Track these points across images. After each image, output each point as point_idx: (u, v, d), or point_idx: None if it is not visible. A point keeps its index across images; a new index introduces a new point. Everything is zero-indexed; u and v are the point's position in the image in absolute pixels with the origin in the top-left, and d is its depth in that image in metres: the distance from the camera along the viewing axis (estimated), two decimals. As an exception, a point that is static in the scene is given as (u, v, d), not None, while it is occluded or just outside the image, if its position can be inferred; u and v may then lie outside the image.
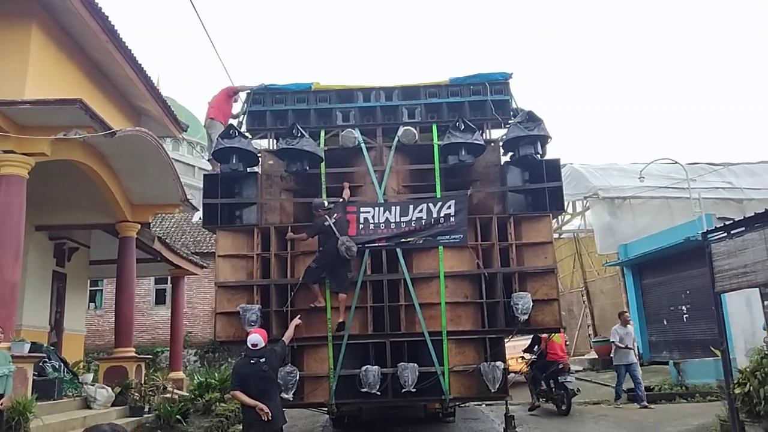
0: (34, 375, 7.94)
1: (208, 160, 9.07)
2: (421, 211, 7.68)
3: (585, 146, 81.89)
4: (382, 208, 7.72)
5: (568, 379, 10.84)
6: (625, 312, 12.16)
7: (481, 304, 7.63)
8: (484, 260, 7.78)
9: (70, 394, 9.51)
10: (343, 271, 7.42)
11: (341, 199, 7.73)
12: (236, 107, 8.90)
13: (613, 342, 11.50)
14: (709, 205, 15.92)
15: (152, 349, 19.27)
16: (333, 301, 7.51)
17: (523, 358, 12.03)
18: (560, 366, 10.90)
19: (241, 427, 10.53)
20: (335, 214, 7.46)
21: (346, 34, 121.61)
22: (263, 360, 5.87)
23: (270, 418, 5.61)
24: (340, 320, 7.43)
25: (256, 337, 5.99)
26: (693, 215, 14.32)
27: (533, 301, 7.34)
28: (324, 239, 7.45)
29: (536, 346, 11.45)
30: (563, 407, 10.76)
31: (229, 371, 13.69)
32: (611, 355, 12.09)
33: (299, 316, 7.22)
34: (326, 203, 7.59)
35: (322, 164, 7.94)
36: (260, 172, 8.22)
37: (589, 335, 20.12)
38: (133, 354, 11.15)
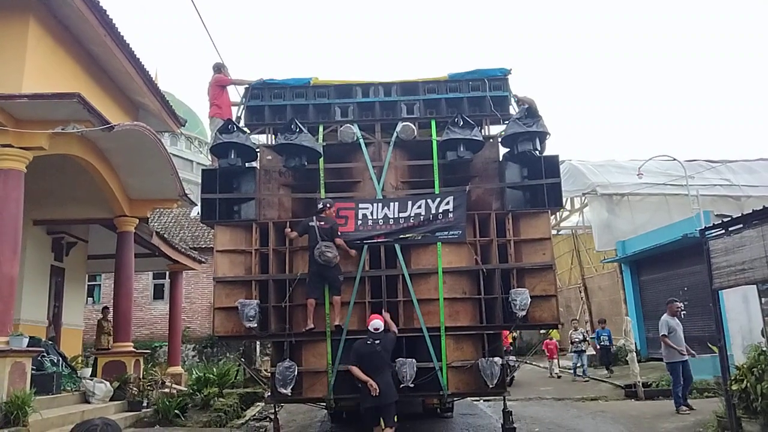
0: (32, 369, 7.95)
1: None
2: (419, 207, 7.68)
3: (583, 143, 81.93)
4: (380, 204, 7.72)
5: (510, 358, 13.01)
6: (675, 301, 10.46)
7: (479, 300, 7.64)
8: (482, 256, 7.78)
9: (69, 388, 9.53)
10: (333, 275, 7.32)
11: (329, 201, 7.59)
12: (231, 92, 8.89)
13: (662, 336, 9.95)
14: (707, 202, 15.95)
15: (150, 344, 19.29)
16: (330, 297, 7.51)
17: None
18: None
19: (239, 422, 10.59)
20: (321, 222, 7.30)
21: (346, 29, 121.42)
22: (378, 342, 6.68)
23: (378, 392, 6.48)
24: (336, 323, 7.37)
25: (378, 323, 6.79)
26: (691, 212, 14.34)
27: (531, 297, 7.33)
28: (309, 239, 7.34)
29: None
30: (507, 379, 13.67)
31: (228, 366, 13.79)
32: (662, 351, 10.29)
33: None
34: (322, 205, 7.45)
35: (321, 160, 7.93)
36: (258, 167, 8.20)
37: (587, 331, 20.18)
38: (132, 349, 11.16)
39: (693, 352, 10.10)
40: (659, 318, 12.37)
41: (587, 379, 15.12)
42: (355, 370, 6.66)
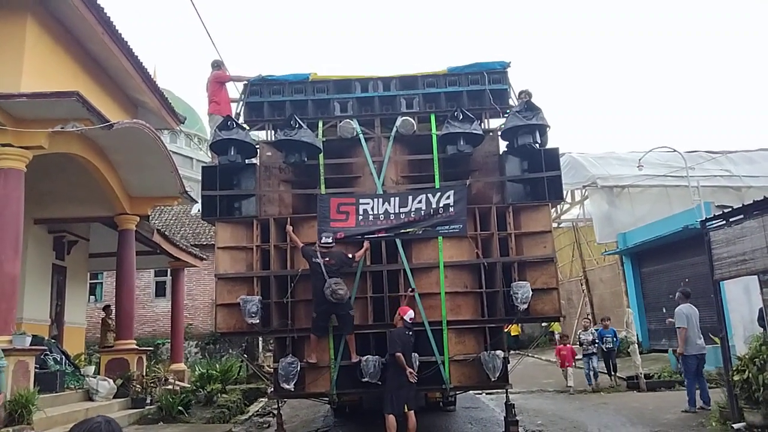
0: (35, 368, 7.97)
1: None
2: (420, 201, 7.67)
3: (583, 135, 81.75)
4: (381, 200, 7.71)
5: None
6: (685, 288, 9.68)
7: (480, 293, 7.64)
8: (483, 250, 7.78)
9: (72, 386, 9.56)
10: (344, 313, 7.23)
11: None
12: (230, 88, 8.87)
13: (678, 327, 9.18)
14: (707, 193, 15.93)
15: (153, 341, 19.31)
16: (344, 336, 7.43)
17: None
18: None
19: (243, 418, 10.62)
20: (326, 258, 7.19)
21: (344, 23, 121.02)
22: (411, 333, 7.11)
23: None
24: (354, 359, 7.31)
25: (412, 314, 7.15)
26: (692, 203, 14.32)
27: (533, 290, 7.33)
28: (312, 274, 7.24)
29: None
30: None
31: (230, 363, 13.83)
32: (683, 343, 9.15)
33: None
34: (325, 240, 7.29)
35: (321, 155, 7.93)
36: (258, 163, 8.20)
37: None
38: (134, 346, 11.18)
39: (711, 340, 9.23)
40: (661, 310, 12.08)
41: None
42: (401, 358, 6.89)
